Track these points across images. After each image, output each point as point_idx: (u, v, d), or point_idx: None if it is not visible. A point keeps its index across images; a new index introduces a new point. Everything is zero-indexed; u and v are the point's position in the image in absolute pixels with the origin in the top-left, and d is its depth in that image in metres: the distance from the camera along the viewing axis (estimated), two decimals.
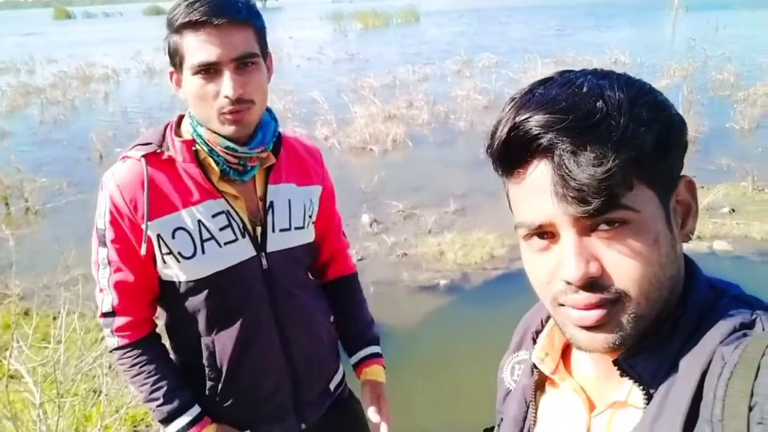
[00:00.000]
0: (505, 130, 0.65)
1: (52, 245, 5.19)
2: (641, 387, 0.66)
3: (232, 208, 1.41)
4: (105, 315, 1.44)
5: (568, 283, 0.64)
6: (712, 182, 6.35)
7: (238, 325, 1.45)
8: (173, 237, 1.38)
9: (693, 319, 0.66)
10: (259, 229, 1.46)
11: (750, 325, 0.63)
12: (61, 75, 18.40)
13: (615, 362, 0.68)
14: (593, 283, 0.64)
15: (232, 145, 1.37)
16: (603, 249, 0.64)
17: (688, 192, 0.70)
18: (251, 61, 1.33)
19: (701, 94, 10.39)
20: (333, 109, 10.04)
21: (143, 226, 1.35)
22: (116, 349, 1.45)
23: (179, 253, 1.39)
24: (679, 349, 0.65)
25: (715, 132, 8.43)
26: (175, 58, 1.34)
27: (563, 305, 0.67)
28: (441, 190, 6.87)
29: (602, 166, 0.60)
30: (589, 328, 0.66)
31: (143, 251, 1.36)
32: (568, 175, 0.61)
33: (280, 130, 1.53)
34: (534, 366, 0.83)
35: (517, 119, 0.64)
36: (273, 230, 1.47)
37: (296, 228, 1.51)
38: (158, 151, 1.40)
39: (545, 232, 0.67)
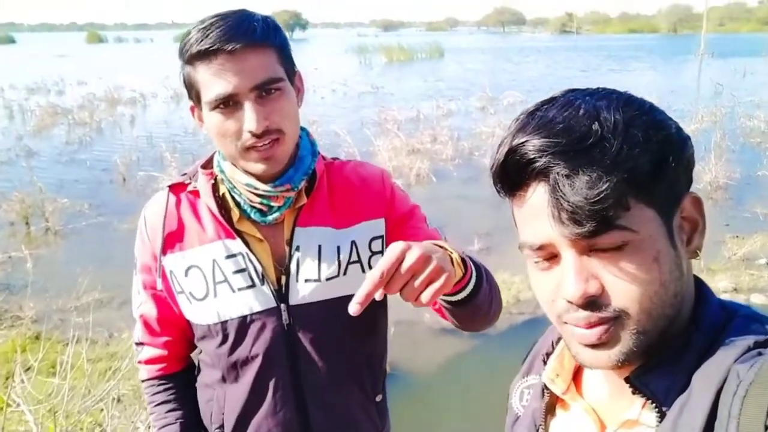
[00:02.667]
0: (504, 152, 0.67)
1: (70, 267, 5.11)
2: (654, 405, 0.66)
3: (251, 251, 1.26)
4: (136, 344, 1.41)
5: (569, 302, 0.66)
6: (747, 231, 6.15)
7: (248, 385, 1.29)
8: (186, 275, 1.27)
9: (706, 336, 0.67)
10: (283, 278, 1.28)
11: (765, 344, 0.63)
12: (89, 97, 18.72)
13: (627, 380, 0.69)
14: (593, 302, 0.65)
15: (252, 182, 1.23)
16: (602, 268, 0.65)
17: (695, 208, 0.70)
18: (274, 87, 1.17)
19: (731, 141, 10.20)
20: (356, 142, 9.99)
21: (159, 259, 1.29)
22: (143, 380, 1.41)
23: (191, 294, 1.28)
24: (692, 366, 0.65)
25: (747, 179, 8.25)
26: (192, 92, 1.21)
27: (567, 323, 0.68)
28: (465, 228, 6.71)
29: (594, 189, 0.61)
30: (592, 346, 0.67)
31: (159, 285, 1.30)
32: (563, 198, 0.62)
33: (341, 159, 1.39)
34: (544, 388, 0.82)
35: (514, 142, 0.66)
36: (297, 280, 1.27)
37: (328, 278, 1.28)
38: (187, 182, 1.31)
39: (547, 252, 0.68)
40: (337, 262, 1.29)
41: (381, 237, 1.34)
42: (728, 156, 8.76)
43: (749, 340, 0.63)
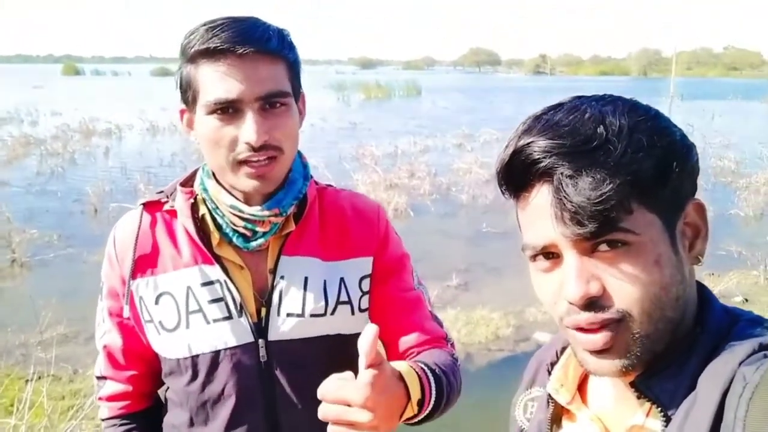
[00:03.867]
0: (509, 153, 0.68)
1: (34, 300, 4.92)
2: (659, 409, 0.66)
3: (230, 279, 1.15)
4: (97, 378, 1.28)
5: (571, 304, 0.66)
6: (722, 269, 6.20)
7: (219, 428, 1.17)
8: (156, 303, 1.16)
9: (711, 340, 0.67)
10: (263, 311, 1.16)
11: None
12: (63, 128, 18.45)
13: (632, 384, 0.68)
14: (594, 303, 0.65)
15: (237, 204, 1.13)
16: (604, 269, 0.65)
17: (698, 215, 0.71)
18: (280, 101, 1.08)
19: (704, 180, 10.39)
20: (335, 175, 9.95)
21: (128, 284, 1.17)
22: (103, 419, 1.28)
23: (161, 323, 1.16)
24: (697, 370, 0.65)
25: (720, 218, 8.36)
26: (188, 93, 1.11)
27: (569, 327, 0.68)
28: (443, 263, 6.65)
29: (597, 191, 0.62)
30: (597, 353, 0.67)
31: (126, 313, 1.18)
32: (566, 198, 0.63)
33: (333, 185, 1.30)
34: (549, 398, 0.81)
35: (520, 143, 0.67)
36: (278, 313, 1.16)
37: (313, 314, 1.17)
38: (163, 200, 1.21)
39: (550, 253, 0.68)
40: (323, 299, 1.18)
41: (369, 276, 1.24)
42: (701, 195, 8.70)
43: (754, 342, 0.63)
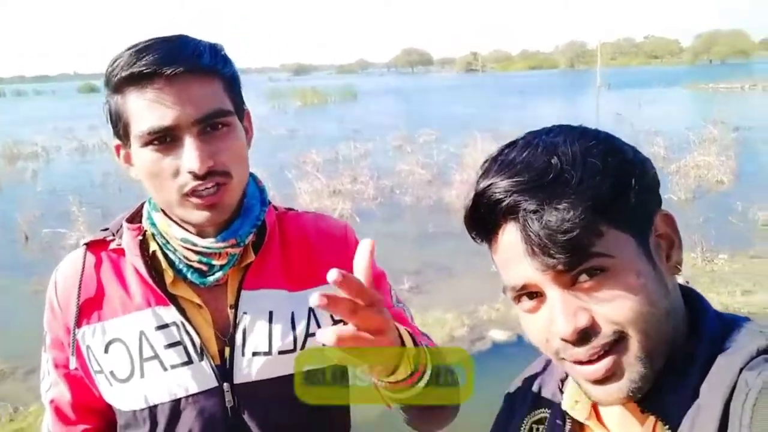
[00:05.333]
0: (471, 198, 0.70)
1: None
2: (665, 423, 0.66)
3: (187, 320, 1.06)
4: None
5: (564, 340, 0.66)
6: None
7: None
8: (106, 351, 1.06)
9: (707, 348, 0.67)
10: (227, 351, 1.07)
11: (767, 351, 0.63)
12: None
13: (637, 400, 0.68)
14: (587, 335, 0.65)
15: (190, 237, 1.04)
16: (589, 299, 0.65)
17: (667, 225, 0.71)
18: (221, 121, 1.00)
19: None
20: (276, 185, 9.79)
21: (72, 332, 1.07)
22: None
23: (111, 373, 1.06)
24: (697, 379, 0.65)
25: None
26: (119, 126, 1.01)
27: (566, 360, 0.68)
28: (393, 267, 6.61)
29: (562, 221, 0.62)
30: (600, 382, 0.66)
31: (72, 364, 1.06)
32: (533, 233, 0.64)
33: (295, 209, 1.22)
34: (566, 416, 0.80)
35: (480, 186, 0.69)
36: (243, 353, 1.07)
37: (281, 351, 1.08)
38: (109, 239, 1.11)
39: (532, 293, 0.69)
40: (291, 333, 1.10)
41: None
42: None
43: (752, 347, 0.63)
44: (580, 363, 0.66)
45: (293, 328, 1.10)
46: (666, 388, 0.67)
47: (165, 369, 1.05)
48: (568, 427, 0.80)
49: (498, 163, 0.69)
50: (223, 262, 1.06)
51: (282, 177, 10.85)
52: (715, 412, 0.61)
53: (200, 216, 1.00)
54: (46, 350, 1.13)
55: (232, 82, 1.04)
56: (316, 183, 10.35)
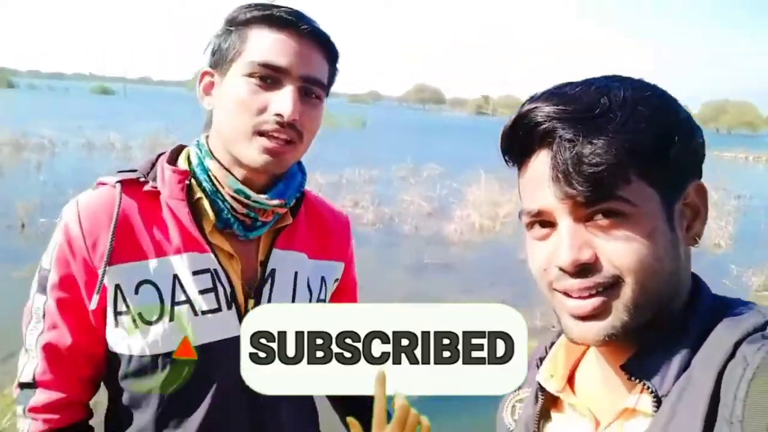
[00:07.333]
0: (513, 118, 0.70)
1: None
2: (650, 391, 0.65)
3: (222, 268, 1.08)
4: (22, 386, 1.08)
5: (562, 270, 0.66)
6: None
7: (195, 425, 1.07)
8: (136, 292, 1.04)
9: (702, 322, 0.67)
10: (251, 303, 1.10)
11: (763, 327, 0.63)
12: None
13: (622, 367, 0.68)
14: (585, 269, 0.65)
15: (244, 189, 1.07)
16: (597, 238, 0.65)
17: (699, 197, 0.71)
18: (316, 92, 1.08)
19: None
20: None
21: (100, 271, 1.02)
22: None
23: (140, 315, 1.04)
24: (689, 351, 0.65)
25: None
26: (226, 53, 1.06)
27: (558, 291, 0.68)
28: (385, 293, 6.61)
29: (594, 155, 0.63)
30: (582, 318, 0.67)
31: (93, 304, 1.02)
32: (562, 161, 0.64)
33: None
34: (539, 392, 0.81)
35: (525, 109, 0.69)
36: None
37: None
38: (141, 179, 1.10)
39: (545, 221, 0.69)
40: (308, 295, 1.19)
41: (338, 281, 1.27)
42: None
43: (748, 324, 0.64)
44: (570, 296, 0.67)
45: (309, 291, 1.19)
46: (655, 356, 0.66)
47: (196, 314, 1.06)
48: (540, 403, 0.81)
49: (549, 92, 0.69)
50: (268, 219, 1.12)
51: None
52: (707, 384, 0.61)
53: (261, 159, 1.04)
54: (40, 292, 1.08)
55: (333, 73, 1.14)
56: None
